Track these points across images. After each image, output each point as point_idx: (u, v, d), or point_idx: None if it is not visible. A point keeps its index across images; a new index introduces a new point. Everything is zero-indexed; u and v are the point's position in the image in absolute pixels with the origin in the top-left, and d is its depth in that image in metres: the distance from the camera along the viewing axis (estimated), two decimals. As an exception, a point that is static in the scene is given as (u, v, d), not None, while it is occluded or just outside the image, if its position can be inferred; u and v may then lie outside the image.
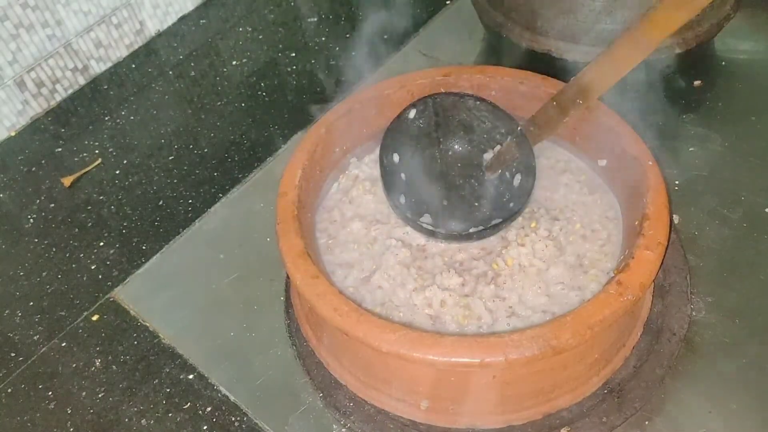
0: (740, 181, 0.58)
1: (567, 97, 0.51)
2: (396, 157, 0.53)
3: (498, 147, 0.54)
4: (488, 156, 0.54)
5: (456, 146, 0.55)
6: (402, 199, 0.52)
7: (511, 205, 0.51)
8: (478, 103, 0.53)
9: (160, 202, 0.63)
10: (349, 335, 0.42)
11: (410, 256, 0.50)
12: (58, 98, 0.72)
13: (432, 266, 0.50)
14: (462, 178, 0.55)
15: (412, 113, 0.53)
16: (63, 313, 0.56)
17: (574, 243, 0.50)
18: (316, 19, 0.78)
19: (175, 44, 0.77)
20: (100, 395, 0.51)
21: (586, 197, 0.53)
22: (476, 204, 0.54)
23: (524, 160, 0.52)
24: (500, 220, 0.51)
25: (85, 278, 0.58)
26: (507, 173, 0.53)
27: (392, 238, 0.51)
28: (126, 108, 0.71)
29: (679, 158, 0.60)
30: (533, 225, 0.51)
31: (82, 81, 0.73)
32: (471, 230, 0.51)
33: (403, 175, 0.53)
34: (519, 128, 0.52)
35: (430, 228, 0.50)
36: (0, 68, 0.67)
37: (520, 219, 0.51)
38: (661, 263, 0.43)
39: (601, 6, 0.60)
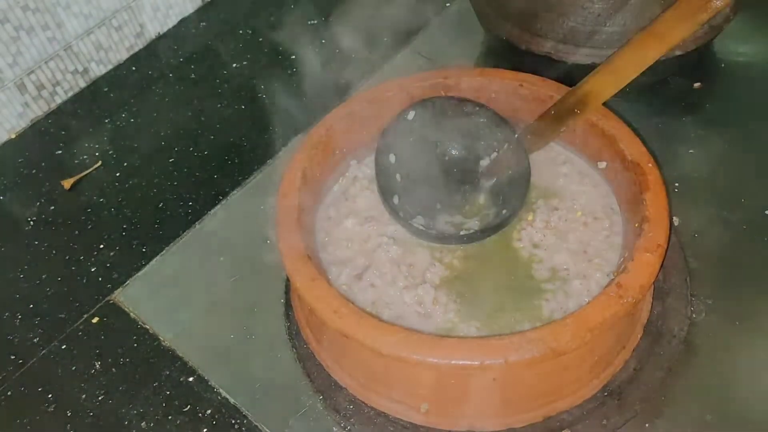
0: (740, 183, 0.58)
1: (565, 107, 0.51)
2: (392, 158, 0.53)
3: (494, 154, 0.54)
4: (484, 163, 0.55)
5: (453, 151, 0.55)
6: (396, 200, 0.52)
7: (504, 211, 0.51)
8: (477, 108, 0.53)
9: (161, 205, 0.63)
10: (349, 337, 0.42)
11: (402, 253, 0.50)
12: (59, 101, 0.72)
13: (424, 264, 0.50)
14: (457, 183, 0.55)
15: (410, 115, 0.53)
16: (63, 316, 0.56)
17: (575, 230, 0.50)
18: (316, 22, 0.78)
19: (176, 47, 0.77)
20: (99, 398, 0.51)
21: (587, 187, 0.53)
22: (469, 209, 0.54)
23: (519, 168, 0.52)
24: (492, 225, 0.51)
25: (85, 281, 0.58)
26: (502, 180, 0.53)
27: (384, 236, 0.51)
28: (126, 110, 0.71)
29: (678, 160, 0.60)
30: (530, 218, 0.51)
31: (82, 83, 0.73)
32: (462, 233, 0.51)
33: (398, 176, 0.53)
34: (516, 136, 0.53)
35: (422, 229, 0.50)
36: (0, 71, 0.67)
37: None
38: (661, 265, 0.43)
39: (600, 9, 0.60)
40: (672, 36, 0.44)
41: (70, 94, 0.73)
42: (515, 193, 0.52)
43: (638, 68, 0.47)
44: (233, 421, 0.48)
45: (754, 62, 0.68)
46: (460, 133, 0.55)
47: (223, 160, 0.65)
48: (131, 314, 0.55)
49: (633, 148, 0.49)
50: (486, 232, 0.51)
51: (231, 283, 0.56)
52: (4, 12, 0.65)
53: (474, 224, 0.52)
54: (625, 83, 0.48)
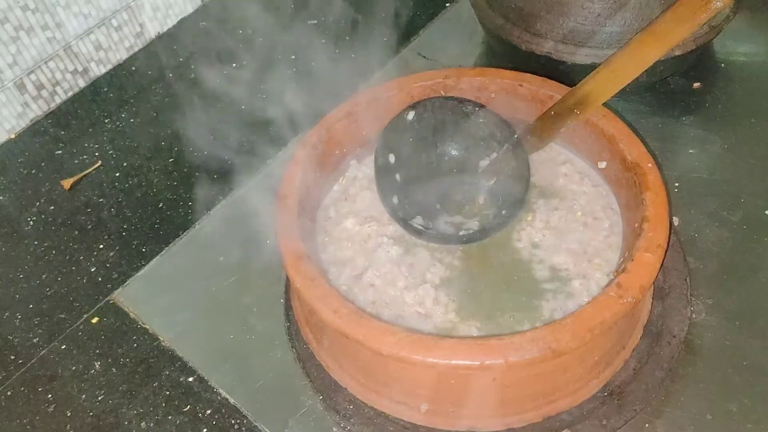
0: (740, 183, 0.58)
1: (565, 107, 0.51)
2: (392, 158, 0.53)
3: (494, 154, 0.54)
4: (484, 163, 0.55)
5: (452, 151, 0.55)
6: (395, 200, 0.52)
7: (504, 212, 0.51)
8: (477, 109, 0.53)
9: (160, 205, 0.63)
10: (349, 338, 0.42)
11: (402, 253, 0.50)
12: (58, 101, 0.72)
13: (424, 264, 0.50)
14: (456, 183, 0.55)
15: (410, 115, 0.53)
16: (63, 316, 0.56)
17: (575, 231, 0.50)
18: (316, 22, 0.78)
19: (176, 47, 0.77)
20: (99, 398, 0.51)
21: (587, 187, 0.53)
22: (468, 209, 0.54)
23: (519, 169, 0.52)
24: (491, 226, 0.51)
25: (84, 281, 0.58)
26: (501, 181, 0.53)
27: (384, 236, 0.51)
28: (126, 110, 0.71)
29: (678, 160, 0.60)
30: (529, 218, 0.51)
31: (82, 83, 0.73)
32: (461, 233, 0.51)
33: (397, 176, 0.53)
34: (516, 136, 0.53)
35: (422, 229, 0.50)
36: (0, 71, 0.67)
37: None
38: (661, 265, 0.43)
39: (600, 9, 0.60)
40: (672, 36, 0.44)
41: (70, 94, 0.73)
42: (515, 194, 0.52)
43: (638, 68, 0.47)
44: (233, 421, 0.48)
45: (754, 62, 0.68)
46: (459, 133, 0.55)
47: (223, 159, 0.65)
48: (131, 314, 0.55)
49: (633, 148, 0.49)
50: (485, 232, 0.51)
51: (231, 283, 0.56)
52: (4, 12, 0.65)
53: (473, 224, 0.52)
54: (626, 83, 0.48)
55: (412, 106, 0.53)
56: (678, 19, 0.44)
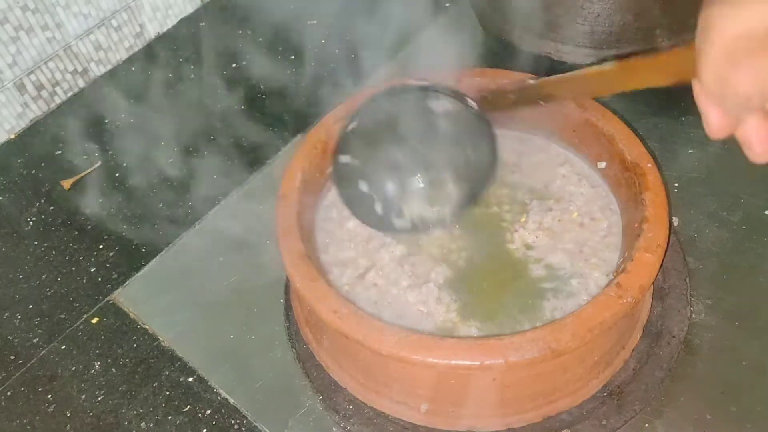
0: (739, 183, 0.58)
1: (529, 95, 0.48)
2: (348, 159, 0.51)
3: (450, 128, 0.50)
4: (441, 140, 0.51)
5: (408, 142, 0.51)
6: (378, 208, 0.51)
7: (473, 186, 0.50)
8: (424, 91, 0.50)
9: (160, 205, 0.63)
10: (349, 338, 0.42)
11: (406, 253, 0.50)
12: (58, 101, 0.72)
13: (427, 263, 0.50)
14: (419, 171, 0.52)
15: (353, 124, 0.50)
16: (62, 316, 0.56)
17: (570, 231, 0.50)
18: (315, 22, 0.78)
19: (175, 47, 0.77)
20: (99, 398, 0.51)
21: (585, 188, 0.53)
22: (436, 192, 0.51)
23: (480, 128, 0.49)
24: (467, 199, 0.50)
25: (84, 281, 0.58)
26: (465, 152, 0.51)
27: (388, 236, 0.51)
28: (126, 110, 0.71)
29: (678, 160, 0.60)
30: (522, 220, 0.51)
31: (81, 84, 0.73)
32: (436, 218, 0.50)
33: (362, 184, 0.51)
34: (470, 104, 0.50)
35: (396, 226, 0.50)
36: (0, 71, 0.67)
37: (508, 215, 0.51)
38: (661, 265, 0.43)
39: (599, 9, 0.60)
40: (642, 78, 0.44)
41: (70, 94, 0.73)
42: (483, 162, 0.49)
43: (605, 89, 0.45)
44: (233, 421, 0.48)
45: (754, 62, 0.68)
46: (410, 124, 0.51)
47: (223, 160, 0.65)
48: (131, 314, 0.55)
49: (632, 148, 0.49)
50: (456, 212, 0.50)
51: (231, 284, 0.56)
52: (3, 12, 0.65)
53: (445, 210, 0.51)
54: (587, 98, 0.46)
55: (354, 115, 0.50)
56: (655, 67, 0.43)
